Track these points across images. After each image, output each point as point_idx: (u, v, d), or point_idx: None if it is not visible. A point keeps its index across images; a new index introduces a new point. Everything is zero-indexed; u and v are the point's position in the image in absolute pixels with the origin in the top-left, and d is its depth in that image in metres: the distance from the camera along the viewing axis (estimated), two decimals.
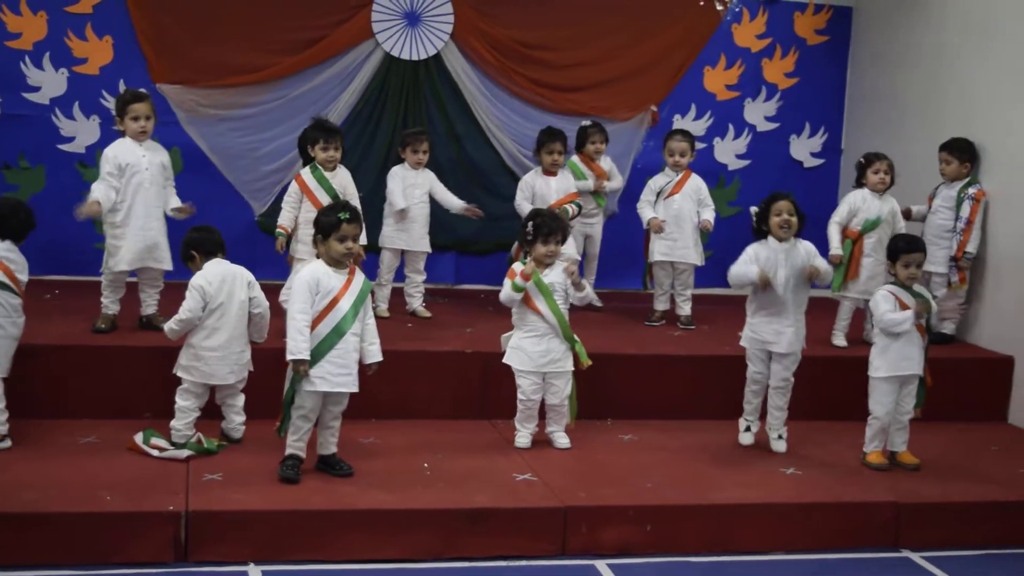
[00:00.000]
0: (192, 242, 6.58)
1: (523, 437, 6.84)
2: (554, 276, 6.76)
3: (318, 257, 6.33)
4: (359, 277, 6.17)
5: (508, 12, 9.54)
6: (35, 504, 5.49)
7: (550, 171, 8.66)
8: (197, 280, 6.35)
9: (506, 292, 6.72)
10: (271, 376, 6.70)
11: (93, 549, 5.42)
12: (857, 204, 8.20)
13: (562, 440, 6.88)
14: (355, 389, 6.14)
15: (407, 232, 8.35)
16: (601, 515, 5.95)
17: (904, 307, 6.63)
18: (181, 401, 6.40)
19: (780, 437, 7.03)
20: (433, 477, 6.22)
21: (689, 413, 7.43)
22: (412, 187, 8.33)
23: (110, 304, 7.42)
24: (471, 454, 6.67)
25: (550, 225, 6.74)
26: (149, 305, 7.51)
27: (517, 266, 6.75)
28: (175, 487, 5.79)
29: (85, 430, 6.58)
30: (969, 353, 8.25)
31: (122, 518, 5.48)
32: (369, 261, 8.44)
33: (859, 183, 8.29)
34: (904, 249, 6.78)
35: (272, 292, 7.10)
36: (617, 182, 9.19)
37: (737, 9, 9.99)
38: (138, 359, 7.00)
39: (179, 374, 6.42)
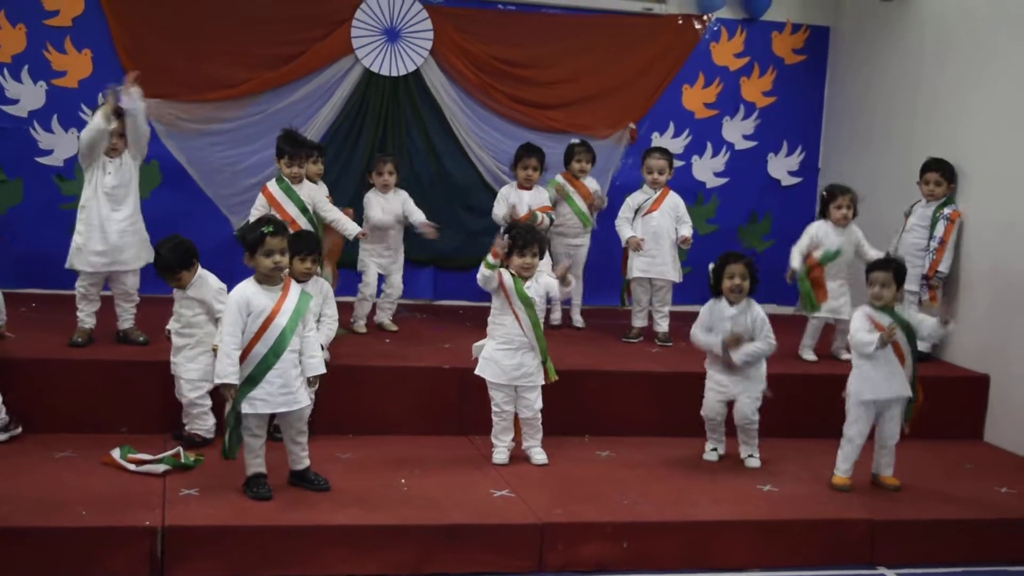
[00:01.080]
0: (190, 252, 6.56)
1: (500, 453, 6.83)
2: (535, 291, 6.78)
3: (297, 275, 6.33)
4: (294, 292, 6.02)
5: (487, 29, 9.58)
6: (8, 519, 5.45)
7: (524, 186, 8.73)
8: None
9: (480, 272, 6.70)
10: None
11: (68, 564, 5.38)
12: (819, 236, 8.33)
13: (539, 456, 6.87)
14: (300, 406, 6.02)
15: (383, 257, 8.37)
16: (578, 532, 5.95)
17: (879, 328, 6.66)
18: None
19: (752, 456, 7.08)
20: (410, 493, 6.21)
21: (666, 430, 7.44)
22: (386, 212, 8.34)
23: (85, 318, 7.39)
24: (448, 470, 6.66)
25: (526, 237, 6.75)
26: (125, 320, 7.49)
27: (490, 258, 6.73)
28: (151, 502, 5.77)
29: (60, 444, 6.55)
30: (944, 371, 8.29)
31: (98, 533, 5.45)
32: (351, 277, 8.48)
33: (822, 214, 8.41)
34: (869, 268, 6.82)
35: None
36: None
37: (715, 28, 10.05)
38: (114, 373, 6.97)
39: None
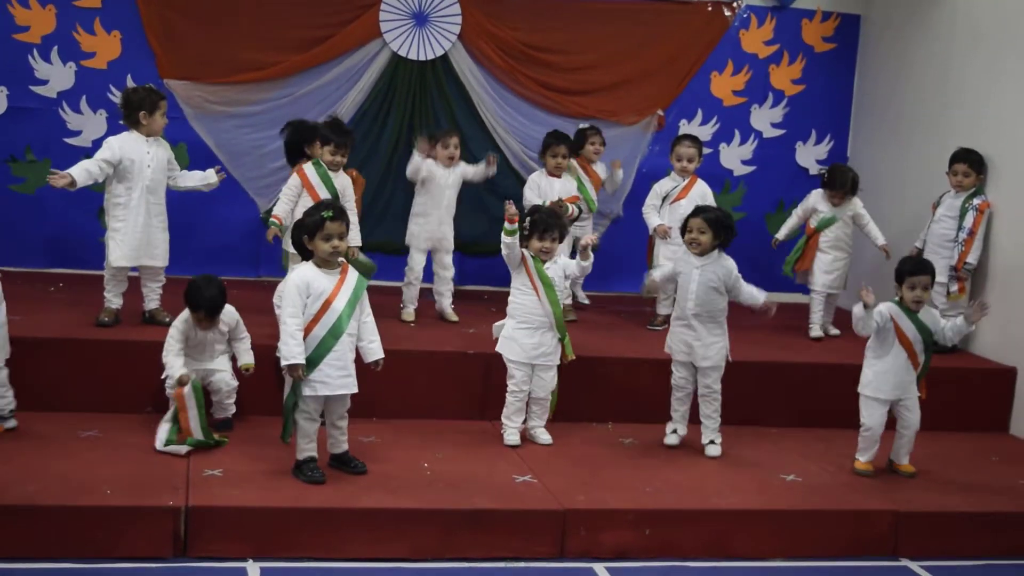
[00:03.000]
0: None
1: (512, 434, 6.88)
2: (555, 271, 6.81)
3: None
4: (352, 276, 6.11)
5: (516, 14, 9.54)
6: (35, 497, 5.50)
7: (554, 173, 8.72)
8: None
9: (502, 241, 6.76)
10: (268, 374, 6.77)
11: (92, 542, 5.42)
12: (813, 204, 8.83)
13: (544, 436, 6.95)
14: (355, 390, 6.12)
15: (435, 235, 8.40)
16: (600, 518, 5.96)
17: (899, 333, 6.63)
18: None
19: (712, 442, 6.99)
20: (433, 477, 6.23)
21: (690, 417, 7.41)
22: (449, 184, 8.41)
23: (112, 298, 7.43)
24: (471, 455, 6.67)
25: (547, 221, 6.81)
26: (152, 300, 7.53)
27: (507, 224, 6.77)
28: (175, 482, 5.80)
29: (86, 424, 6.59)
30: (971, 363, 8.25)
31: (122, 512, 5.49)
32: (388, 261, 8.46)
33: (822, 185, 8.83)
34: (910, 271, 6.72)
35: (274, 288, 7.11)
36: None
37: (745, 15, 9.99)
38: (140, 354, 6.99)
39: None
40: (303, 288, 5.97)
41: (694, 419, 7.12)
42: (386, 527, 5.71)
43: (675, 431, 7.12)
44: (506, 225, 6.72)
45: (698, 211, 7.03)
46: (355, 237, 7.64)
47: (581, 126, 9.08)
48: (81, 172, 7.17)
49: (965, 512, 6.43)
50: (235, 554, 5.53)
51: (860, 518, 6.27)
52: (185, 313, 6.62)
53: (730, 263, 6.98)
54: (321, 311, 5.97)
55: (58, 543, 5.40)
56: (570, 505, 5.96)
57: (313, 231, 5.99)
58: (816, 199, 8.81)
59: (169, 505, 5.53)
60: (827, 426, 7.54)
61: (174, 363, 6.48)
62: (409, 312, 8.31)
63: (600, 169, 9.05)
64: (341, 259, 6.10)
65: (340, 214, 6.06)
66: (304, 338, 5.95)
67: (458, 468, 6.40)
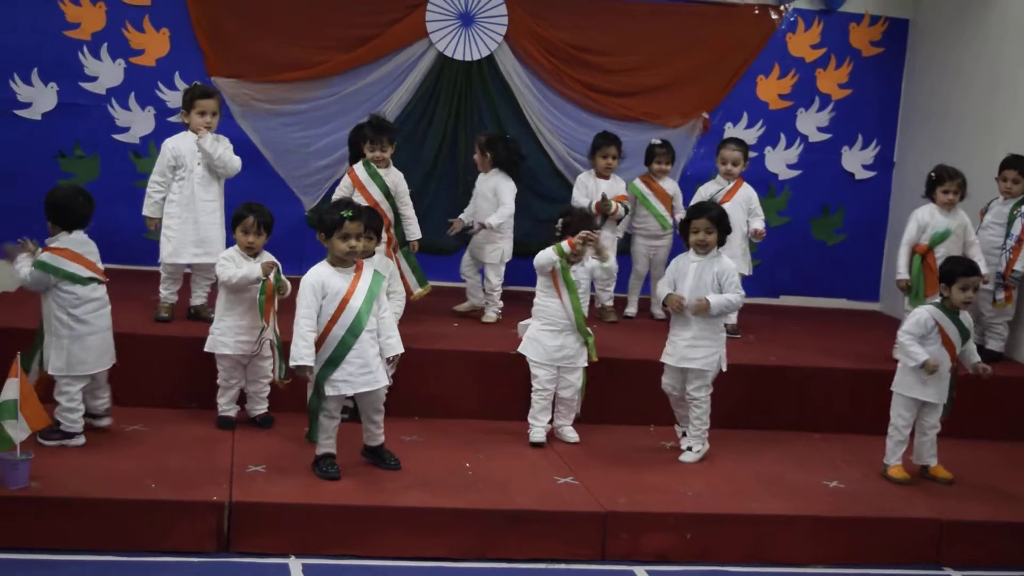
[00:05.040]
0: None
1: (538, 432, 6.88)
2: (580, 273, 6.84)
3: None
4: (368, 273, 6.10)
5: (562, 15, 9.55)
6: (81, 490, 5.57)
7: (603, 175, 8.73)
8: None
9: (546, 254, 6.74)
10: None
11: (137, 536, 5.48)
12: (925, 220, 8.10)
13: (571, 435, 6.97)
14: (380, 385, 6.11)
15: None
16: (641, 521, 5.95)
17: (943, 336, 6.58)
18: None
19: (690, 449, 6.88)
20: (475, 477, 6.24)
21: (731, 423, 7.36)
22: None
23: (168, 295, 7.54)
24: (513, 455, 6.68)
25: (578, 224, 6.81)
26: (199, 296, 7.59)
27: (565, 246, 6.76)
28: (219, 478, 5.85)
29: (131, 418, 6.64)
30: (1016, 371, 8.16)
31: (166, 506, 5.55)
32: (430, 261, 8.47)
33: (927, 196, 8.19)
34: (963, 272, 6.66)
35: None
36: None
37: (792, 18, 9.94)
38: (184, 349, 7.04)
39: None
40: (318, 289, 5.96)
41: (739, 425, 7.08)
42: (427, 526, 5.73)
43: (685, 433, 7.04)
44: (564, 246, 6.71)
45: (700, 211, 6.94)
46: (415, 231, 7.73)
47: (653, 142, 9.01)
48: (151, 208, 7.48)
49: (1010, 521, 6.37)
50: (277, 550, 5.57)
51: (903, 526, 6.23)
52: (230, 250, 6.73)
53: (731, 262, 6.93)
54: (339, 311, 5.97)
55: (103, 536, 5.45)
56: (611, 508, 5.95)
57: (331, 230, 5.98)
58: (924, 214, 8.11)
59: (213, 500, 5.57)
60: (870, 433, 7.47)
61: (246, 268, 6.53)
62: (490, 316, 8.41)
63: (667, 185, 9.00)
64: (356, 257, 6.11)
65: (359, 214, 6.05)
66: (324, 339, 5.96)
67: (500, 468, 6.41)
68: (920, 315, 6.66)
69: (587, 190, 8.68)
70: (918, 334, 6.61)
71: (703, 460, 6.84)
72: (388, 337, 6.16)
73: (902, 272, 8.11)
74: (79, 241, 6.26)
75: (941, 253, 7.86)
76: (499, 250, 8.34)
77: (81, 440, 6.22)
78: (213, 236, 7.52)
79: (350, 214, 5.97)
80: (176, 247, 7.44)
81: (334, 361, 5.96)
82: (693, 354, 6.77)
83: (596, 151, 8.75)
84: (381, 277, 6.18)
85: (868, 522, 6.20)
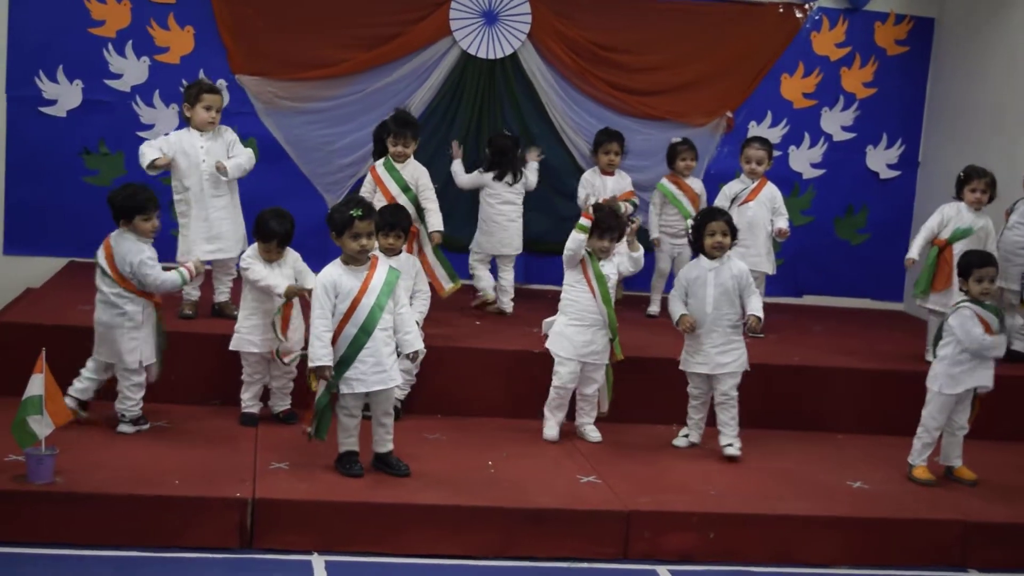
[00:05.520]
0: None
1: (552, 428, 6.90)
2: (609, 269, 6.82)
3: (381, 250, 6.41)
4: (382, 268, 6.07)
5: (585, 14, 9.54)
6: (104, 485, 5.58)
7: (606, 171, 8.77)
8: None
9: (572, 238, 6.73)
10: None
11: (160, 531, 5.50)
12: (950, 215, 8.06)
13: (593, 434, 6.96)
14: (393, 384, 6.09)
15: (492, 236, 8.50)
16: (664, 521, 5.93)
17: (984, 324, 6.53)
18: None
19: (731, 445, 6.89)
20: (497, 475, 6.24)
21: (754, 422, 7.33)
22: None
23: (191, 291, 7.52)
24: (535, 454, 6.68)
25: (608, 222, 6.80)
26: (222, 293, 7.61)
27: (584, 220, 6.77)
28: (242, 474, 5.86)
29: (155, 414, 6.65)
30: None
31: (189, 502, 5.56)
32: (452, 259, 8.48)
33: (957, 196, 8.13)
34: (977, 263, 6.65)
35: None
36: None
37: (817, 17, 9.91)
38: (209, 345, 7.07)
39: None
40: (330, 289, 5.95)
41: (761, 424, 7.07)
42: (449, 524, 5.73)
43: (687, 435, 7.06)
44: (582, 222, 6.72)
45: (716, 213, 6.96)
46: (436, 222, 7.73)
47: (673, 140, 9.01)
48: (152, 149, 7.36)
49: None
50: (300, 547, 5.57)
51: (928, 527, 6.19)
52: (252, 248, 6.74)
53: (744, 264, 6.93)
54: (351, 309, 5.95)
55: (126, 531, 5.47)
56: (634, 507, 5.94)
57: (341, 229, 5.97)
58: (950, 209, 8.06)
59: (236, 497, 5.58)
60: (893, 433, 7.45)
61: (272, 278, 6.58)
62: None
63: (694, 184, 8.99)
64: (371, 254, 6.09)
65: (369, 213, 6.03)
66: (336, 337, 5.95)
67: (522, 466, 6.40)
68: (961, 317, 6.60)
69: (592, 187, 8.70)
70: (973, 327, 6.56)
71: (726, 459, 6.82)
72: (406, 333, 6.13)
73: (912, 252, 8.11)
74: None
75: (959, 251, 7.73)
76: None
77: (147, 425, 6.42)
78: (226, 231, 7.50)
79: (359, 213, 5.94)
80: (189, 245, 7.43)
81: (347, 360, 5.95)
82: (725, 359, 6.80)
83: (598, 147, 8.82)
84: (397, 272, 6.15)
85: (893, 523, 6.17)
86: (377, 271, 6.05)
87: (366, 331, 5.95)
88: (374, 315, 5.96)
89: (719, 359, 6.80)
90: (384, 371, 6.01)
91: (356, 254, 6.00)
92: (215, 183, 7.46)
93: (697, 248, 6.94)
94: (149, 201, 6.34)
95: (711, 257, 6.84)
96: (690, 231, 7.02)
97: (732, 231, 6.87)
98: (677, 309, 6.85)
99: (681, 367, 6.97)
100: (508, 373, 7.38)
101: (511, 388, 7.35)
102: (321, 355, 5.90)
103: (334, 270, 6.02)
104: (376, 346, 5.98)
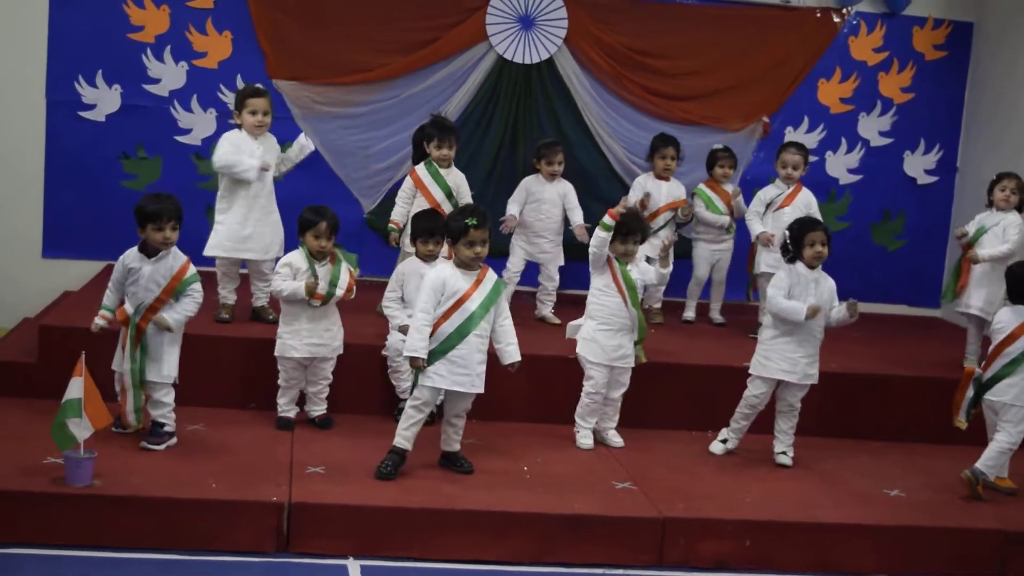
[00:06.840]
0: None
1: (586, 437, 6.90)
2: (637, 273, 6.83)
3: (417, 255, 6.57)
4: (490, 279, 6.21)
5: (622, 19, 9.53)
6: (141, 488, 5.62)
7: (662, 176, 8.73)
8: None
9: (596, 235, 6.73)
10: (373, 373, 6.85)
11: (196, 535, 5.52)
12: (981, 219, 8.11)
13: (616, 439, 6.96)
14: (473, 390, 6.18)
15: (533, 244, 8.45)
16: (700, 527, 5.91)
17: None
18: None
19: (785, 453, 6.89)
20: (533, 481, 6.23)
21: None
22: (538, 201, 8.40)
23: (227, 295, 7.56)
24: (571, 459, 6.67)
25: (630, 224, 6.80)
26: (259, 298, 7.63)
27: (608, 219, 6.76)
28: (279, 478, 5.88)
29: (192, 418, 6.68)
30: None
31: (226, 506, 5.58)
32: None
33: (988, 202, 8.14)
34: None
35: (379, 288, 7.16)
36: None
37: (854, 22, 9.86)
38: (245, 350, 7.10)
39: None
40: (439, 287, 6.08)
41: (797, 431, 7.03)
42: (485, 529, 5.73)
43: (725, 441, 7.02)
44: (606, 220, 6.71)
45: (816, 223, 6.91)
46: None
47: (714, 147, 8.99)
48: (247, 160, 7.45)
49: None
50: (336, 551, 5.59)
51: (966, 536, 6.14)
52: (290, 255, 6.78)
53: (833, 282, 6.90)
54: (452, 309, 6.08)
55: (162, 534, 5.50)
56: (669, 513, 5.92)
57: (457, 236, 6.11)
58: (983, 217, 8.14)
59: (272, 500, 5.60)
60: (929, 441, 7.42)
61: (290, 287, 6.63)
62: None
63: (731, 190, 8.97)
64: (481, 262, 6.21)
65: (484, 221, 6.14)
66: (433, 332, 6.06)
67: (557, 472, 6.39)
68: (1008, 315, 6.65)
69: (642, 191, 8.67)
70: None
71: (761, 466, 6.79)
72: (508, 344, 6.26)
73: (966, 226, 8.15)
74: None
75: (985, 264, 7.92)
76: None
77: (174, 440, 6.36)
78: (261, 232, 7.51)
79: (474, 222, 6.07)
80: (220, 240, 7.46)
81: (436, 355, 6.06)
82: (812, 370, 6.81)
83: (654, 152, 8.79)
84: (502, 284, 6.29)
85: (931, 531, 6.13)
86: (486, 281, 6.18)
87: (460, 334, 6.07)
88: (473, 320, 6.09)
89: (808, 369, 6.78)
90: (468, 375, 6.12)
91: (470, 261, 6.13)
92: (260, 184, 7.48)
93: (795, 257, 6.86)
94: (163, 211, 6.27)
95: (810, 267, 6.80)
96: (787, 238, 6.91)
97: (829, 245, 6.83)
98: (800, 304, 6.67)
99: (753, 372, 6.87)
100: (544, 378, 7.30)
101: (547, 393, 7.31)
102: (418, 347, 6.03)
103: (447, 269, 6.18)
104: (468, 350, 6.10)
